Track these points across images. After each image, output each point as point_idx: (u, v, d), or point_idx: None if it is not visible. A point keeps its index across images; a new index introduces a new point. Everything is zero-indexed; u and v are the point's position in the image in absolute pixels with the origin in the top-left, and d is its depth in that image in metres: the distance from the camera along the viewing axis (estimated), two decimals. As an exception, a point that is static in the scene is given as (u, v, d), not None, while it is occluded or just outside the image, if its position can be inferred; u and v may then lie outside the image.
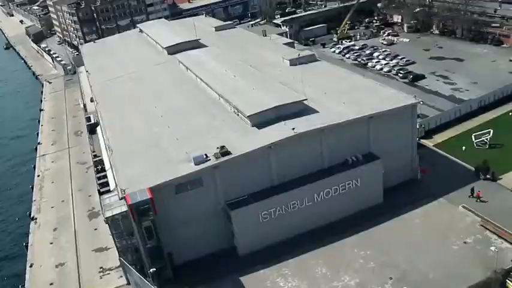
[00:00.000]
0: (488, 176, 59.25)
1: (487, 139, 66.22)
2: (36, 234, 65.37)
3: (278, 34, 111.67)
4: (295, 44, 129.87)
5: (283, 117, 55.74)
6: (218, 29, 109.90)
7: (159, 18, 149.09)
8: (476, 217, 52.52)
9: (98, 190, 58.83)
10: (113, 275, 54.44)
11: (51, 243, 62.72)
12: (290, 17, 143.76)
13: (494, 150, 65.41)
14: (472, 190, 56.56)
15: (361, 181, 55.32)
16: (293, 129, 52.63)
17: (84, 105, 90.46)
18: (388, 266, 48.11)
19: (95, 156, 68.80)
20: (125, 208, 48.16)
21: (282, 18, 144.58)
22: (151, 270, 46.99)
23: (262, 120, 55.91)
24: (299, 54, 76.84)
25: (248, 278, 49.65)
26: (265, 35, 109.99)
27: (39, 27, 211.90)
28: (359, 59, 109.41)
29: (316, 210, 54.00)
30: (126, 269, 50.80)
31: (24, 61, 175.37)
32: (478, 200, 55.87)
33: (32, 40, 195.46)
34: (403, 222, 54.11)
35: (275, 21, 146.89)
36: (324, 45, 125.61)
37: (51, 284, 55.15)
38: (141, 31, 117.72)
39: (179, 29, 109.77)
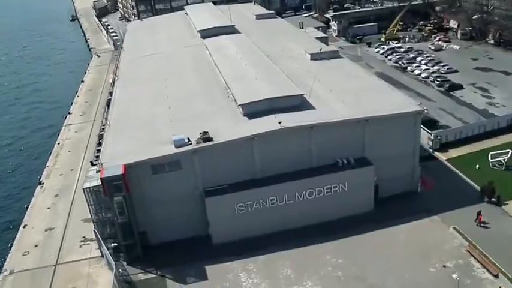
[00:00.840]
0: (493, 200, 54.28)
1: (504, 160, 60.17)
2: (39, 198, 67.69)
3: (315, 28, 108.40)
4: (342, 40, 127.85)
5: (277, 110, 53.85)
6: (259, 17, 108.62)
7: (212, 1, 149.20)
8: (465, 241, 48.23)
9: (91, 162, 59.98)
10: (92, 246, 55.08)
11: (48, 208, 64.77)
12: (340, 12, 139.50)
13: (510, 173, 59.42)
14: (478, 214, 51.91)
15: (349, 186, 52.31)
16: (279, 122, 50.73)
17: (114, 80, 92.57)
18: (356, 278, 45.33)
19: (103, 129, 70.14)
20: (101, 181, 48.63)
21: (333, 13, 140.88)
22: (112, 245, 47.20)
23: (254, 110, 54.38)
24: (321, 49, 74.20)
25: (213, 268, 48.66)
26: (302, 28, 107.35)
27: (105, 2, 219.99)
28: (400, 62, 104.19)
29: (296, 210, 51.79)
30: (99, 241, 51.57)
31: (84, 33, 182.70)
32: (479, 225, 51.36)
33: (96, 14, 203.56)
34: (386, 235, 50.68)
35: (326, 15, 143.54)
36: (369, 44, 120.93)
37: (36, 246, 56.85)
38: (186, 13, 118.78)
39: (221, 14, 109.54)
